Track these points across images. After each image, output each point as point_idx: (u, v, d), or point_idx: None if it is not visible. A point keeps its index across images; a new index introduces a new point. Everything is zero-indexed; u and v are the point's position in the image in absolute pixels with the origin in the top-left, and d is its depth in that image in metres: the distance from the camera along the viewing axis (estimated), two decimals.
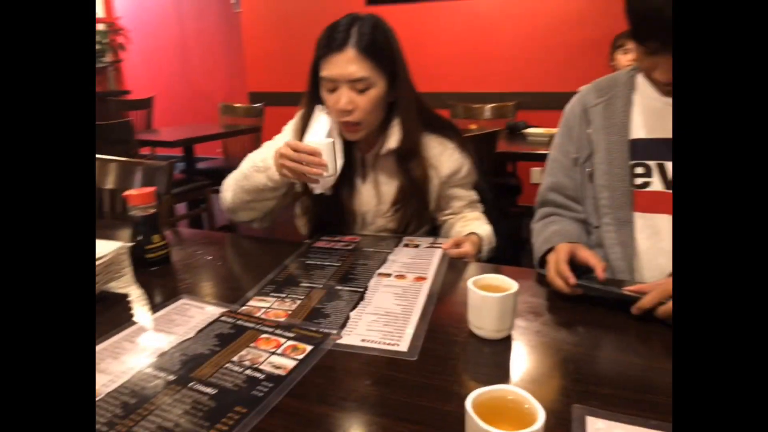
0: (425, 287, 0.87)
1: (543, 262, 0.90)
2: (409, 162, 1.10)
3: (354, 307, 0.80)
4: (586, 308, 0.78)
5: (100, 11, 3.90)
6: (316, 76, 1.04)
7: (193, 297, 0.85)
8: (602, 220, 0.93)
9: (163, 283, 0.92)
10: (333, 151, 1.00)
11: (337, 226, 1.18)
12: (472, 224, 1.15)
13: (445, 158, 1.13)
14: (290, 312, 0.79)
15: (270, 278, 0.92)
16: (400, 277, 0.91)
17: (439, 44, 3.47)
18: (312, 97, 1.08)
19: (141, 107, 4.07)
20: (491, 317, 0.68)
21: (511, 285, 0.70)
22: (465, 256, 1.02)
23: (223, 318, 0.77)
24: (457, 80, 3.49)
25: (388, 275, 0.92)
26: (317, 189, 1.06)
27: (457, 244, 1.04)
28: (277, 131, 1.21)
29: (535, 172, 3.47)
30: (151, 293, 0.87)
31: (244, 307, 0.80)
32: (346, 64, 0.97)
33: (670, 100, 0.87)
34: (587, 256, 0.82)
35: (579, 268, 0.82)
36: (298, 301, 0.82)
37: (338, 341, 0.70)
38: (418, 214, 1.14)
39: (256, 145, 3.51)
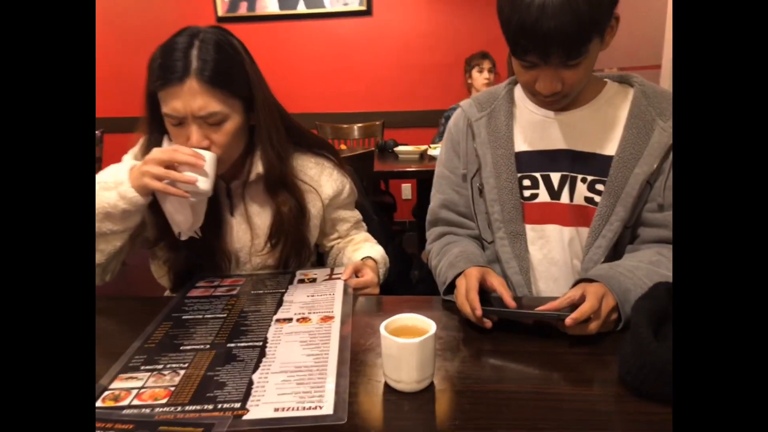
0: (335, 327, 0.76)
1: (451, 287, 0.85)
2: (280, 191, 0.97)
3: (256, 368, 0.66)
4: (502, 335, 0.74)
5: None
6: (154, 103, 0.86)
7: None
8: (496, 235, 0.93)
9: None
10: (214, 166, 0.84)
11: (206, 271, 1.01)
12: (363, 247, 1.07)
13: (324, 179, 1.04)
14: (172, 388, 0.62)
15: (136, 347, 0.72)
16: (304, 320, 0.79)
17: (301, 64, 3.39)
18: (152, 129, 0.91)
19: None
20: (411, 366, 0.59)
21: (428, 325, 0.62)
22: (367, 286, 0.94)
23: None
24: (322, 101, 3.44)
25: (289, 320, 0.79)
26: (182, 230, 0.89)
27: (357, 271, 0.95)
28: (119, 161, 0.97)
29: (406, 188, 3.56)
30: None
31: (107, 392, 0.61)
32: (190, 98, 0.81)
33: (549, 113, 0.90)
34: (495, 283, 0.79)
35: (486, 292, 0.79)
36: (181, 371, 0.65)
37: (245, 417, 0.56)
38: (299, 247, 1.02)
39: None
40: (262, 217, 1.00)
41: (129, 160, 0.95)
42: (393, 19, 3.30)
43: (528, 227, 0.92)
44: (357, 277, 0.95)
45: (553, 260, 0.91)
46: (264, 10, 3.31)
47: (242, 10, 3.31)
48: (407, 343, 0.59)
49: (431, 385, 0.62)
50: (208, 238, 0.95)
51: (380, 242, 1.22)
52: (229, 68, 0.84)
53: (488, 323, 0.74)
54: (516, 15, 0.72)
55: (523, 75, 0.82)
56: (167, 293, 1.05)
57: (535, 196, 0.91)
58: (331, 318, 0.79)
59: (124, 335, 0.78)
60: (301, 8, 3.29)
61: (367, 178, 1.85)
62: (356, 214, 1.14)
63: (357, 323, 0.79)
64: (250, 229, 1.00)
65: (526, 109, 0.93)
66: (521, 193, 0.92)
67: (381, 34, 3.34)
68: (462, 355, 0.70)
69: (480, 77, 2.73)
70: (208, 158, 0.83)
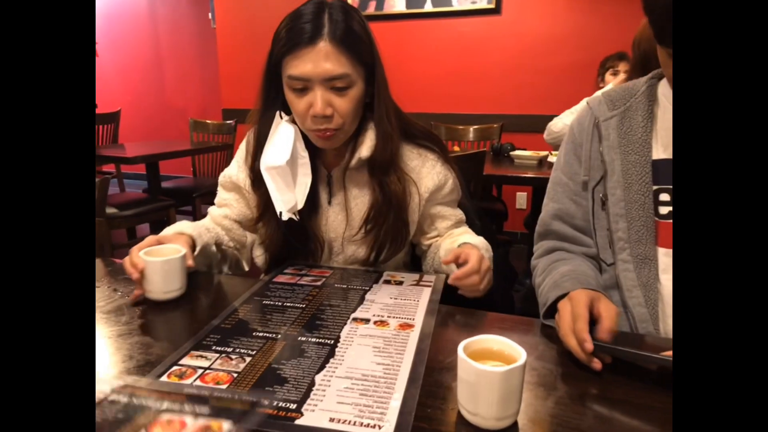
0: (413, 338, 0.68)
1: (552, 310, 0.73)
2: (385, 174, 0.93)
3: (321, 368, 0.61)
4: (614, 378, 0.60)
5: None
6: (275, 79, 0.88)
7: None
8: (618, 257, 0.77)
9: None
10: (180, 267, 0.82)
11: (301, 256, 0.99)
12: (462, 237, 0.97)
13: (426, 171, 0.97)
14: (235, 374, 0.59)
15: (214, 325, 0.72)
16: (381, 323, 0.73)
17: (422, 64, 3.36)
18: (267, 106, 0.91)
19: (107, 121, 3.84)
20: (491, 400, 0.49)
21: (518, 353, 0.52)
22: (472, 273, 0.78)
23: (112, 397, 0.50)
24: (440, 101, 3.38)
25: (366, 321, 0.73)
26: (283, 209, 0.89)
27: (457, 258, 0.81)
28: None
29: (521, 197, 3.35)
30: None
31: (175, 367, 0.61)
32: (321, 59, 0.80)
33: None
34: (602, 310, 0.65)
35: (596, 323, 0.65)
36: (248, 359, 0.63)
37: (298, 421, 0.51)
38: (394, 234, 0.95)
39: (226, 163, 3.32)
40: (359, 203, 0.97)
41: (241, 153, 1.01)
42: (523, 18, 3.12)
43: (662, 251, 0.75)
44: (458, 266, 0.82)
45: None
46: (392, 9, 3.34)
47: (371, 9, 3.37)
48: (489, 371, 0.49)
49: (515, 424, 0.52)
50: (305, 224, 0.94)
51: None
52: (358, 34, 0.84)
53: (598, 364, 0.60)
54: None
55: (668, 66, 0.66)
56: (262, 276, 1.06)
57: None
58: (411, 326, 0.72)
59: (208, 311, 0.79)
60: (428, 7, 3.26)
61: (476, 181, 1.74)
62: (458, 213, 1.05)
63: (439, 336, 0.70)
64: (346, 218, 0.97)
65: (671, 108, 0.76)
66: (656, 210, 0.76)
67: (509, 34, 3.17)
68: (558, 394, 0.58)
69: (614, 81, 2.46)
70: (158, 268, 0.79)
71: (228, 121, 3.27)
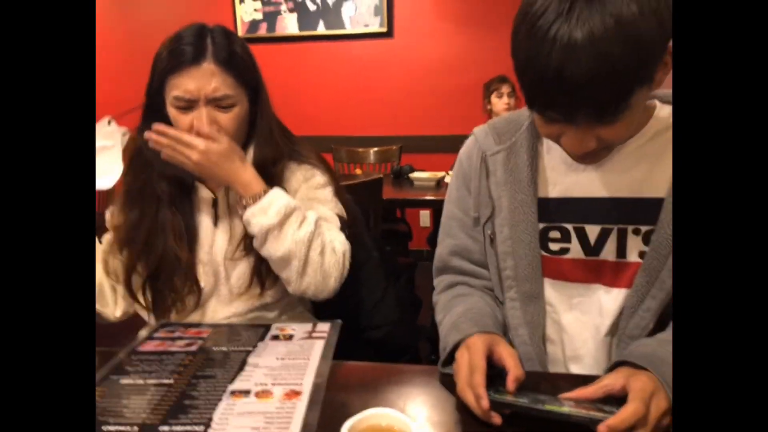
0: (299, 410, 0.60)
1: (452, 357, 0.69)
2: None
3: None
4: (517, 429, 0.57)
5: None
6: (155, 100, 0.86)
7: None
8: (506, 294, 0.76)
9: None
10: None
11: (182, 294, 0.90)
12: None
13: (300, 175, 0.93)
14: None
15: None
16: (264, 394, 0.63)
17: (318, 86, 3.31)
18: (150, 117, 0.86)
19: None
20: None
21: (407, 427, 0.47)
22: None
23: None
24: (339, 124, 3.34)
25: (246, 393, 0.64)
26: None
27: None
28: None
29: (424, 215, 3.40)
30: None
31: None
32: (206, 79, 0.81)
33: None
34: (505, 355, 0.62)
35: (496, 370, 0.62)
36: None
37: None
38: None
39: None
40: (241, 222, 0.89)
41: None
42: (414, 41, 3.20)
43: (550, 288, 0.75)
44: None
45: (579, 331, 0.74)
46: (284, 31, 3.26)
47: (262, 30, 3.27)
48: None
49: None
50: (192, 250, 0.89)
51: (378, 284, 1.07)
52: (240, 56, 0.86)
53: (497, 419, 0.56)
54: (532, 61, 0.53)
55: (544, 127, 0.63)
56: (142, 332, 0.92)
57: (565, 250, 0.74)
58: (297, 394, 0.63)
59: None
60: (321, 29, 3.23)
61: (376, 207, 1.70)
62: (327, 211, 0.93)
63: (330, 403, 0.63)
64: (231, 240, 0.90)
65: (554, 145, 0.75)
66: (547, 247, 0.75)
67: (401, 57, 3.24)
68: None
69: (500, 102, 2.60)
70: None
71: None
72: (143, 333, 0.87)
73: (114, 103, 3.59)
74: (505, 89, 2.58)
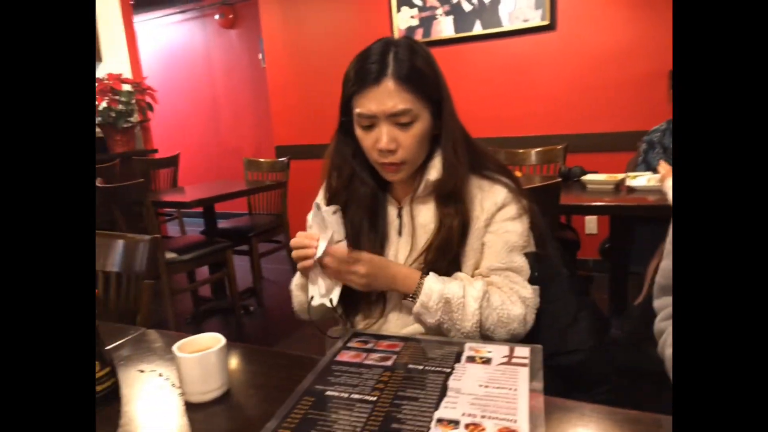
0: None
1: None
2: (449, 204, 0.90)
3: None
4: None
5: (127, 72, 3.88)
6: (347, 117, 0.90)
7: None
8: None
9: None
10: (219, 360, 0.71)
11: (370, 299, 0.93)
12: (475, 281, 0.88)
13: (488, 194, 0.91)
14: None
15: (270, 430, 0.59)
16: (475, 427, 0.58)
17: (478, 86, 3.22)
18: (341, 143, 0.94)
19: (166, 165, 3.95)
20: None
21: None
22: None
23: None
24: (496, 124, 3.21)
25: (455, 424, 0.58)
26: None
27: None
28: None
29: (590, 221, 3.09)
30: None
31: None
32: (385, 97, 0.84)
33: None
34: None
35: None
36: None
37: None
38: (451, 270, 0.90)
39: (282, 200, 3.30)
40: (424, 232, 0.93)
41: (318, 200, 0.96)
42: (580, 31, 2.93)
43: None
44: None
45: None
46: (439, 34, 3.25)
47: (418, 35, 3.30)
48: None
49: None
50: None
51: (568, 303, 0.96)
52: (422, 70, 0.86)
53: None
54: None
55: None
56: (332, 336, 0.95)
57: None
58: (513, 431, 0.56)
59: (259, 409, 0.67)
60: (477, 29, 3.14)
61: (554, 215, 1.55)
62: (514, 260, 0.89)
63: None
64: (411, 247, 0.92)
65: None
66: None
67: (565, 50, 2.98)
68: None
69: None
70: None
71: (281, 159, 3.25)
72: (334, 336, 0.89)
73: (285, 120, 3.98)
74: None
